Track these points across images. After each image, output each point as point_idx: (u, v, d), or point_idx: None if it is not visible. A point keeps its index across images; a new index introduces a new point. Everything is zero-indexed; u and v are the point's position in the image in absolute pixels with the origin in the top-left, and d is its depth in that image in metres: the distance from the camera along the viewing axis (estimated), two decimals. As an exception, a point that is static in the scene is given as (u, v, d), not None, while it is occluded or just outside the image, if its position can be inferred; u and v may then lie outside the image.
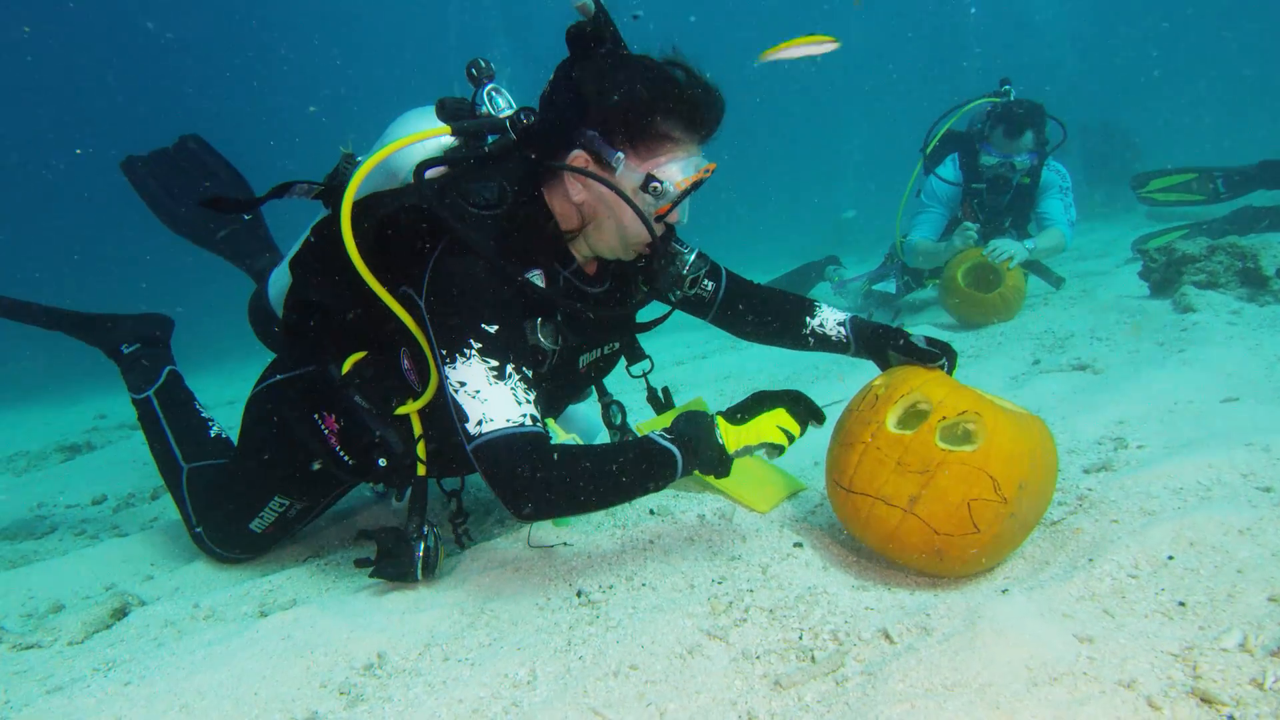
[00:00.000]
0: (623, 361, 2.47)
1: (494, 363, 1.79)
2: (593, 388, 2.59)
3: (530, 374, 1.86)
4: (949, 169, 5.44)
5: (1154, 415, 2.82)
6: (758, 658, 1.59)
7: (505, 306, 1.85)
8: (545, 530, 2.34)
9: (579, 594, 1.99)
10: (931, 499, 1.80)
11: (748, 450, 1.96)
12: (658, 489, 1.89)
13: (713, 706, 1.45)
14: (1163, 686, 1.32)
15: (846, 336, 2.34)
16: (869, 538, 1.94)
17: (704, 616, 1.76)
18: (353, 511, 2.93)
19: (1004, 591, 1.81)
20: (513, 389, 1.80)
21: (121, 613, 2.39)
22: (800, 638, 1.64)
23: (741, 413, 1.99)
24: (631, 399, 2.75)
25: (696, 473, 1.95)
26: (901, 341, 2.18)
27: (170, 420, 2.81)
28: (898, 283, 6.14)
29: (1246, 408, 2.69)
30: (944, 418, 1.86)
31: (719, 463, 1.93)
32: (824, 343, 2.37)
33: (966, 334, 5.02)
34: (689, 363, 5.82)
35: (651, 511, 2.37)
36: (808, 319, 2.39)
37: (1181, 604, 1.58)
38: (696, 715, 1.42)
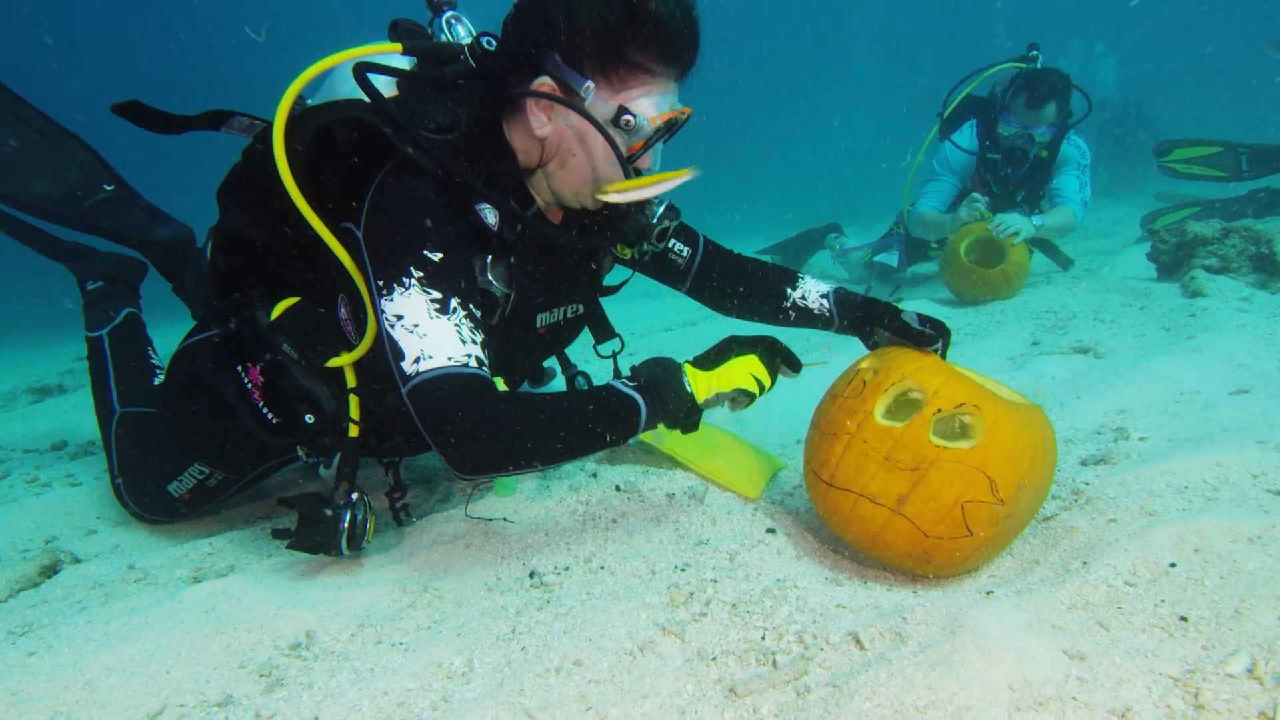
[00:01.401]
0: (591, 341, 2.29)
1: (436, 295, 1.61)
2: (556, 365, 2.41)
3: (479, 314, 1.69)
4: (966, 136, 5.21)
5: (1158, 405, 2.67)
6: (714, 659, 1.45)
7: (453, 235, 1.67)
8: (488, 500, 2.17)
9: (532, 575, 1.85)
10: (922, 499, 1.65)
11: (718, 399, 1.80)
12: (618, 442, 1.72)
13: (658, 715, 1.30)
14: (1160, 717, 1.18)
15: (830, 310, 2.16)
16: (851, 536, 1.79)
17: (661, 608, 1.62)
18: (295, 484, 2.77)
19: (989, 594, 1.66)
20: (457, 326, 1.62)
21: (51, 570, 2.24)
22: (763, 638, 1.50)
23: (712, 359, 1.82)
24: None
25: (664, 440, 1.79)
26: (892, 319, 1.99)
27: (117, 362, 2.64)
28: (900, 255, 5.94)
29: (1257, 401, 2.53)
30: (939, 410, 1.69)
31: (688, 413, 1.77)
32: (806, 317, 2.20)
33: (965, 310, 4.84)
34: (679, 329, 5.64)
35: (618, 488, 2.22)
36: (789, 290, 2.21)
37: (1183, 619, 1.43)
38: (639, 724, 1.28)
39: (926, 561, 1.71)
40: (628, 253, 2.15)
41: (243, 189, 1.86)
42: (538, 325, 2.01)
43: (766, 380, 1.84)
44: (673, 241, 2.22)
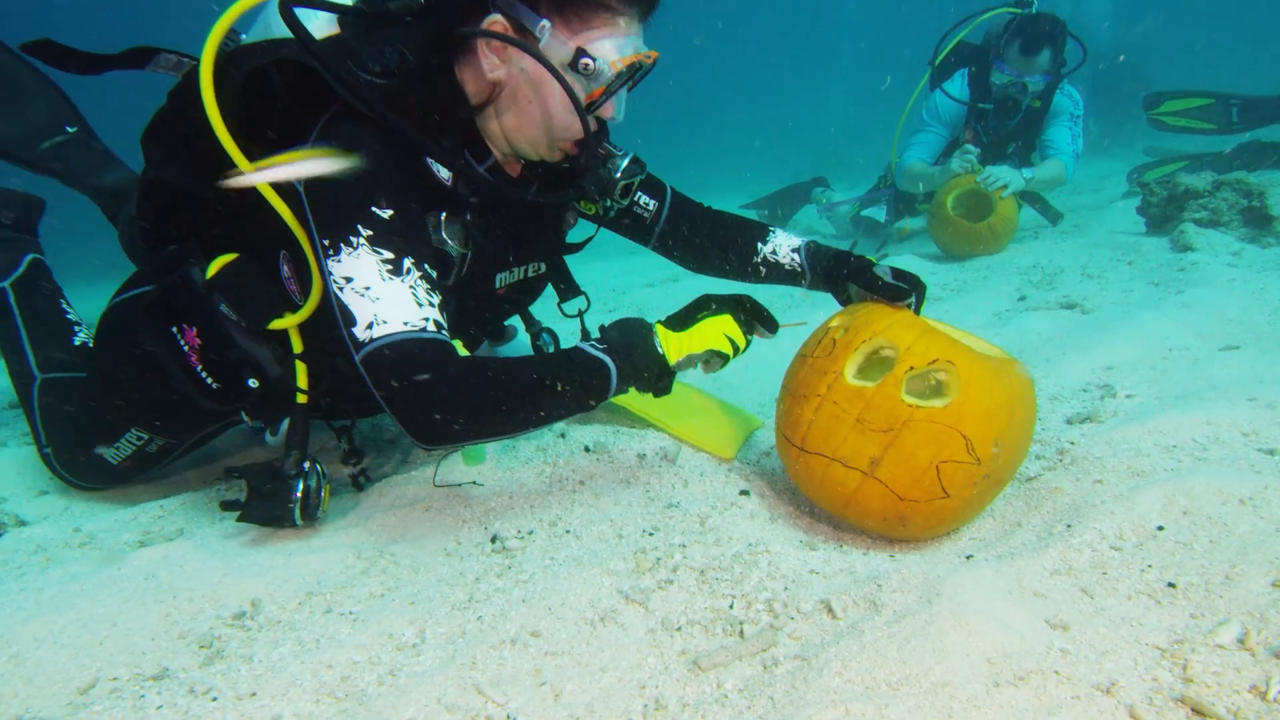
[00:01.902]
0: (555, 299, 2.18)
1: (388, 254, 1.49)
2: (518, 322, 2.29)
3: (434, 274, 1.58)
4: (957, 85, 5.05)
5: (1146, 361, 2.59)
6: (679, 629, 1.37)
7: (403, 189, 1.54)
8: (454, 465, 2.08)
9: (494, 539, 1.76)
10: (895, 461, 1.57)
11: (690, 361, 1.70)
12: (587, 407, 1.63)
13: (617, 690, 1.23)
14: (1147, 692, 1.11)
15: (801, 265, 2.05)
16: (824, 501, 1.71)
17: (626, 575, 1.54)
18: (246, 448, 2.65)
19: (968, 558, 1.59)
20: (412, 288, 1.50)
21: (-6, 535, 2.14)
22: (731, 606, 1.42)
23: (683, 319, 1.72)
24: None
25: (633, 401, 1.70)
26: (863, 273, 1.88)
27: (27, 318, 2.42)
28: (888, 209, 5.81)
29: (1248, 357, 2.46)
30: (911, 368, 1.60)
31: (660, 376, 1.68)
32: (776, 272, 2.09)
33: (950, 265, 4.75)
34: (660, 285, 5.52)
35: (587, 449, 2.13)
36: (759, 245, 2.09)
37: (1171, 585, 1.37)
38: (597, 701, 1.20)
39: (903, 526, 1.64)
40: (592, 208, 2.03)
41: (169, 134, 1.71)
42: (498, 285, 1.89)
43: (741, 341, 1.75)
44: (638, 194, 2.10)
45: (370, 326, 1.47)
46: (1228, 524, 1.51)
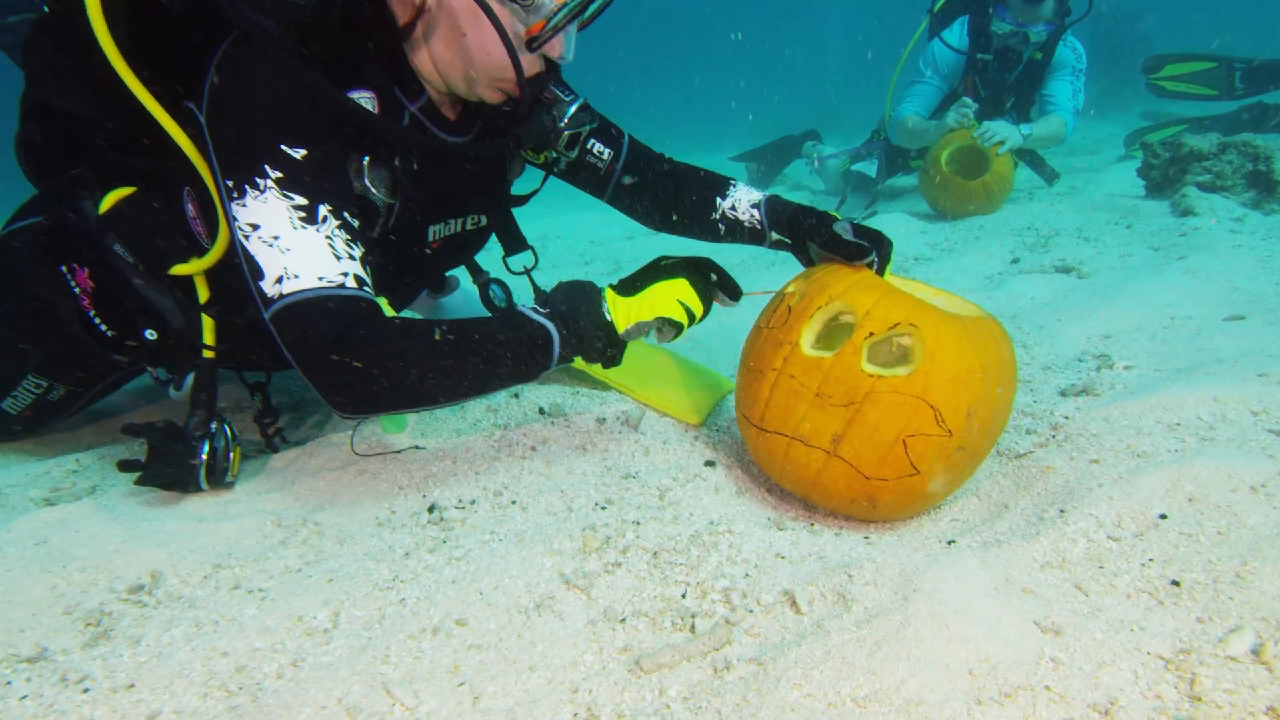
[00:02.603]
0: (500, 252, 1.98)
1: (300, 200, 1.30)
2: (463, 273, 2.09)
3: (356, 224, 1.39)
4: (956, 34, 4.80)
5: (1145, 330, 2.44)
6: (623, 621, 1.21)
7: (318, 127, 1.34)
8: (376, 429, 1.89)
9: (431, 509, 1.60)
10: (858, 438, 1.41)
11: (640, 329, 1.53)
12: (526, 378, 1.47)
13: (545, 694, 1.07)
14: (1149, 713, 0.97)
15: (760, 222, 1.84)
16: (788, 483, 1.56)
17: (571, 555, 1.38)
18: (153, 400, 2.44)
19: (950, 544, 1.45)
20: (329, 238, 1.32)
21: (-112, 490, 1.95)
22: (684, 595, 1.27)
23: (635, 282, 1.54)
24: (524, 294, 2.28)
25: (579, 362, 1.52)
26: (821, 231, 1.68)
27: None
28: (879, 165, 5.59)
29: (1253, 328, 2.31)
30: (871, 334, 1.43)
31: (607, 345, 1.51)
32: (735, 230, 1.89)
33: (942, 225, 4.56)
34: (640, 238, 5.31)
35: (542, 411, 1.96)
36: (718, 200, 1.89)
37: (1175, 583, 1.22)
38: (520, 708, 1.05)
39: (872, 507, 1.49)
40: (540, 157, 1.82)
41: (53, 50, 1.49)
42: (430, 238, 1.69)
43: (698, 308, 1.56)
44: (592, 142, 1.88)
45: (280, 281, 1.28)
46: (1238, 514, 1.36)
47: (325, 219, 1.32)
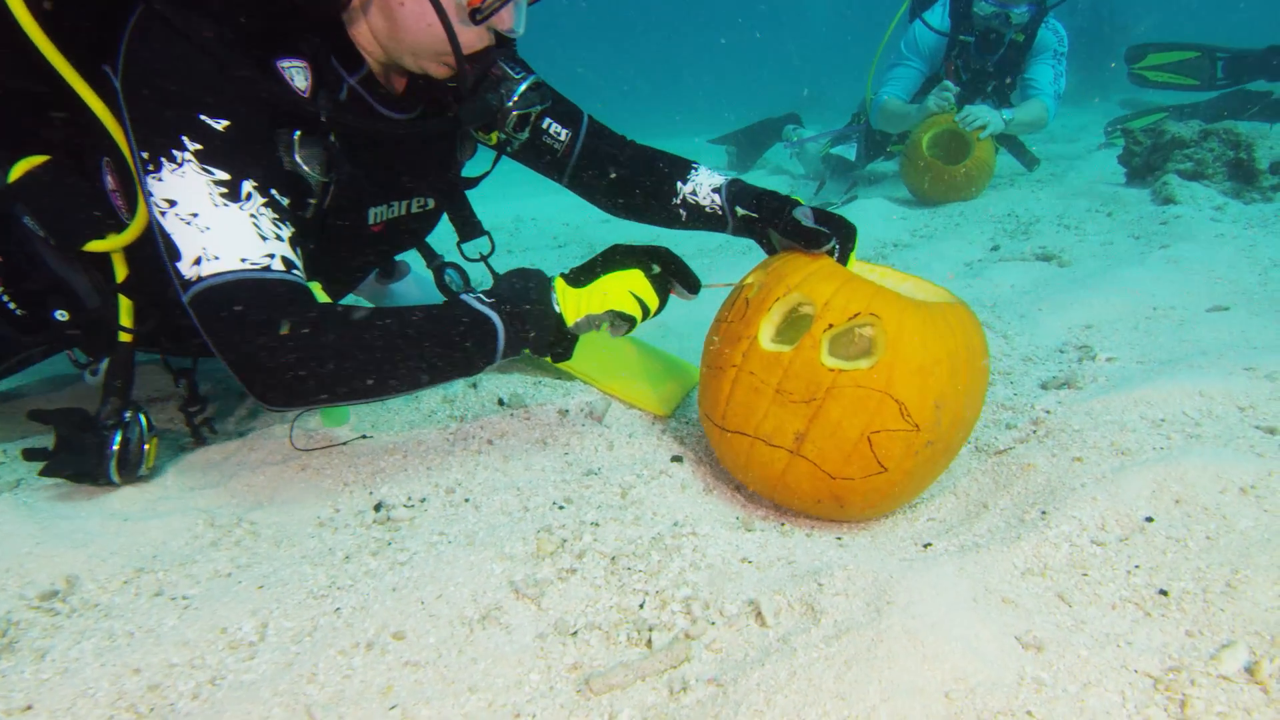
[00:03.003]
0: (455, 237, 1.87)
1: (222, 175, 1.19)
2: (417, 257, 1.97)
3: (285, 202, 1.28)
4: (938, 15, 4.71)
5: (1128, 320, 2.38)
6: (574, 634, 1.12)
7: (242, 98, 1.23)
8: (318, 421, 1.78)
9: (378, 507, 1.49)
10: (822, 435, 1.33)
11: (590, 322, 1.43)
12: (468, 371, 1.38)
13: (484, 718, 0.98)
14: (1139, 740, 0.89)
15: (721, 207, 1.74)
16: (754, 484, 1.48)
17: (523, 560, 1.28)
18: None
19: (926, 547, 1.37)
20: (253, 217, 1.22)
21: None
22: (642, 605, 1.18)
23: (587, 272, 1.44)
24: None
25: (528, 354, 1.42)
26: (781, 217, 1.58)
27: None
28: (859, 148, 5.50)
29: (1237, 319, 2.25)
30: (830, 325, 1.35)
31: (556, 338, 1.41)
32: (697, 215, 1.78)
33: (922, 211, 4.49)
34: (615, 221, 5.17)
35: (501, 401, 1.86)
36: (679, 184, 1.78)
37: (1163, 593, 1.15)
38: (456, 733, 0.96)
39: (840, 507, 1.41)
40: (493, 137, 1.71)
41: None
42: (371, 221, 1.58)
43: (652, 301, 1.47)
44: (548, 121, 1.77)
45: (198, 262, 1.18)
46: (1227, 517, 1.29)
47: (249, 196, 1.21)
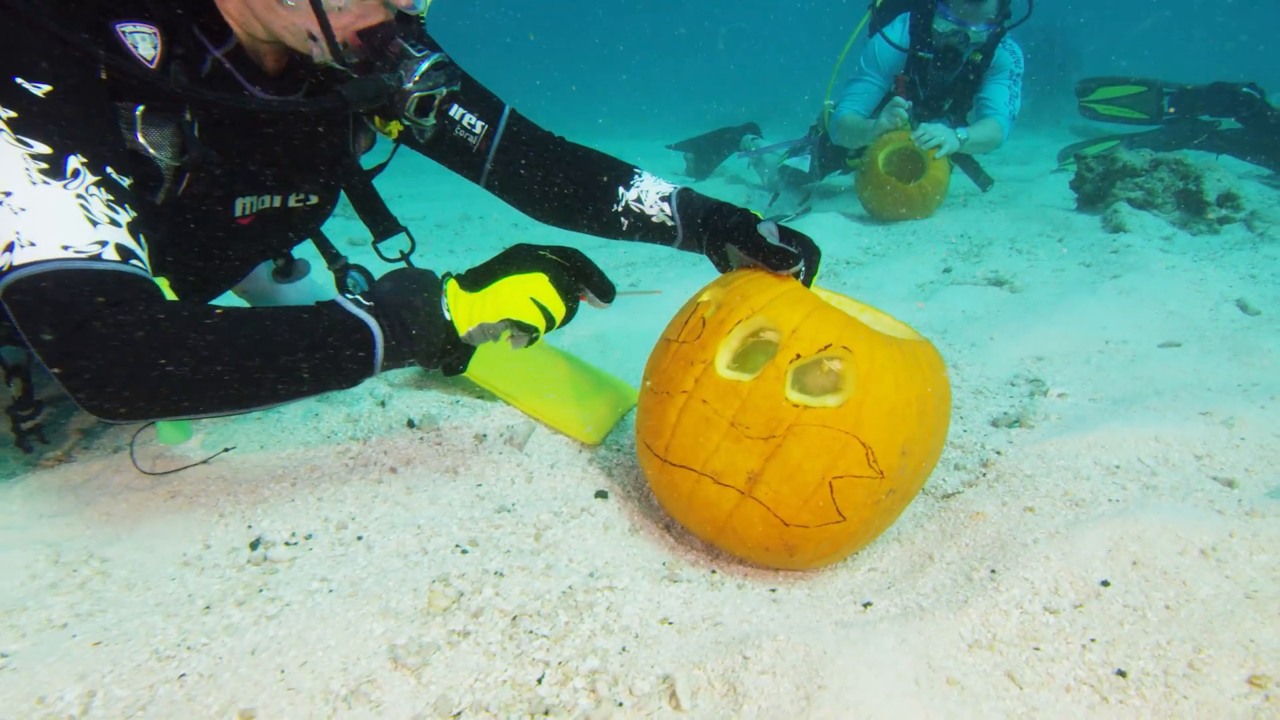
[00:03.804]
0: (358, 231, 1.69)
1: (41, 148, 1.02)
2: (314, 252, 1.78)
3: (126, 184, 1.11)
4: (898, 30, 4.66)
5: (1079, 353, 2.30)
6: (456, 717, 0.96)
7: (69, 60, 1.05)
8: (165, 437, 1.58)
9: (255, 544, 1.31)
10: (779, 477, 1.19)
11: (485, 332, 1.27)
12: (340, 384, 1.21)
13: (334, 831, 0.81)
14: None
15: (670, 217, 1.58)
16: (694, 525, 1.34)
17: (411, 617, 1.12)
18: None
19: (866, 606, 1.24)
20: (81, 198, 1.04)
21: None
22: (540, 679, 1.02)
23: (484, 274, 1.28)
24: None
25: (475, 368, 1.26)
26: (743, 232, 1.44)
27: None
28: (812, 160, 5.43)
29: (1190, 357, 2.19)
30: (798, 355, 1.22)
31: (444, 348, 1.26)
32: (641, 225, 1.62)
33: (876, 228, 4.42)
34: (565, 221, 5.02)
35: (411, 423, 1.68)
36: (620, 190, 1.62)
37: (1122, 674, 1.04)
38: None
39: (789, 556, 1.28)
40: (394, 127, 1.53)
41: None
42: (238, 212, 1.40)
43: (557, 310, 1.31)
44: (460, 112, 1.59)
45: (10, 249, 1.00)
46: (1187, 583, 1.19)
47: (76, 173, 1.03)
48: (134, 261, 1.08)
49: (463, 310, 1.24)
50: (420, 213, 5.24)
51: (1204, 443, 1.61)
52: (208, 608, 1.16)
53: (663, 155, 7.35)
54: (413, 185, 5.86)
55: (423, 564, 1.26)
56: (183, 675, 1.02)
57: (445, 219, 5.23)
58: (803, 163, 5.45)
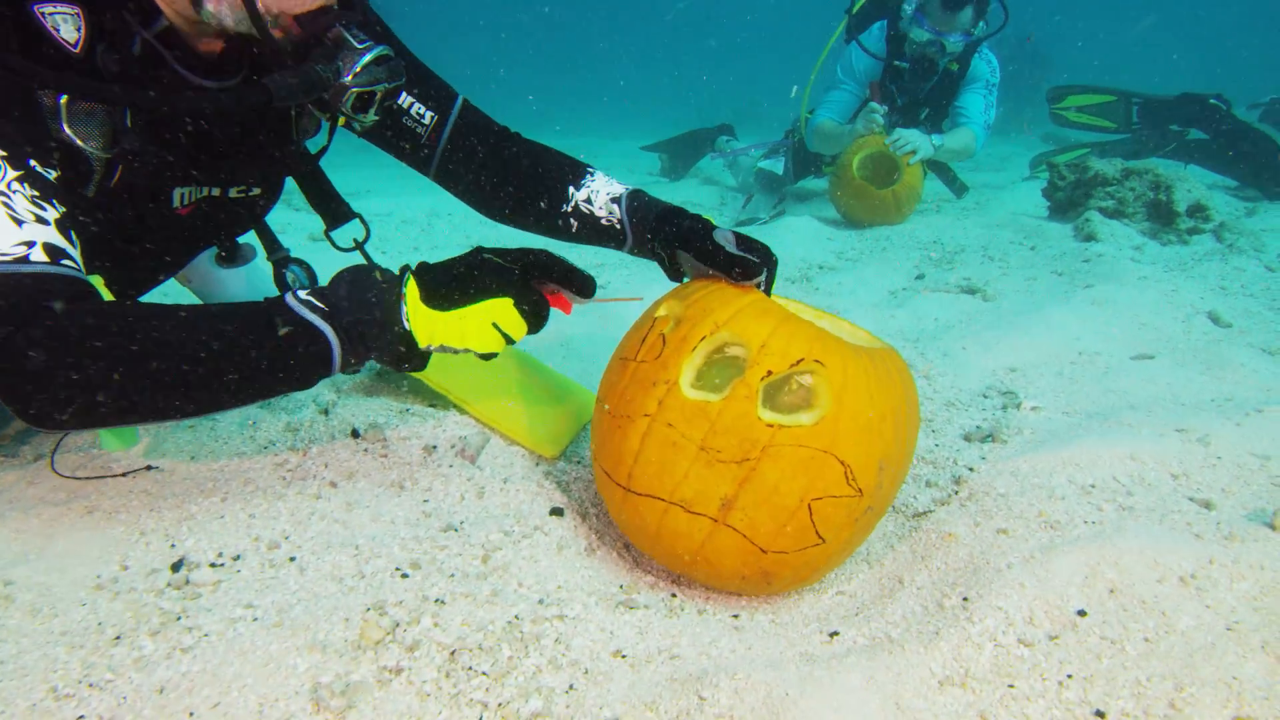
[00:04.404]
0: (319, 225, 1.61)
1: None
2: (256, 242, 1.68)
3: (52, 178, 1.03)
4: (874, 38, 4.62)
5: (1052, 364, 2.26)
6: (382, 768, 0.88)
7: None
8: (108, 444, 1.48)
9: (177, 565, 1.21)
10: (753, 502, 1.12)
11: (444, 349, 1.20)
12: (287, 390, 1.15)
13: None
14: None
15: (620, 220, 1.50)
16: (663, 558, 1.26)
17: (340, 651, 1.03)
18: None
19: (832, 636, 1.17)
20: (4, 197, 1.00)
21: None
22: (478, 722, 0.94)
23: (449, 285, 1.20)
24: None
25: (430, 371, 1.18)
26: (698, 239, 1.34)
27: None
28: (786, 163, 5.38)
29: (1163, 369, 2.16)
30: (768, 372, 1.15)
31: (402, 355, 1.19)
32: (590, 228, 1.53)
33: (848, 232, 4.38)
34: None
35: (355, 433, 1.59)
36: (571, 190, 1.53)
37: (1100, 715, 0.98)
38: None
39: (766, 584, 1.21)
40: (330, 116, 1.44)
41: None
42: (176, 203, 1.30)
43: (518, 332, 1.25)
44: (410, 101, 1.50)
45: None
46: (1166, 614, 1.14)
47: None
48: (65, 261, 1.01)
49: (422, 324, 1.17)
50: (386, 208, 5.11)
51: (1180, 461, 1.56)
52: (118, 638, 1.06)
53: (638, 156, 7.28)
54: (379, 181, 5.73)
55: (358, 589, 1.17)
56: (80, 718, 0.92)
57: (413, 214, 5.10)
58: (777, 165, 5.40)
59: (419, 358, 1.20)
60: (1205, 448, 1.61)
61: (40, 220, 1.00)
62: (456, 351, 1.21)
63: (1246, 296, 2.93)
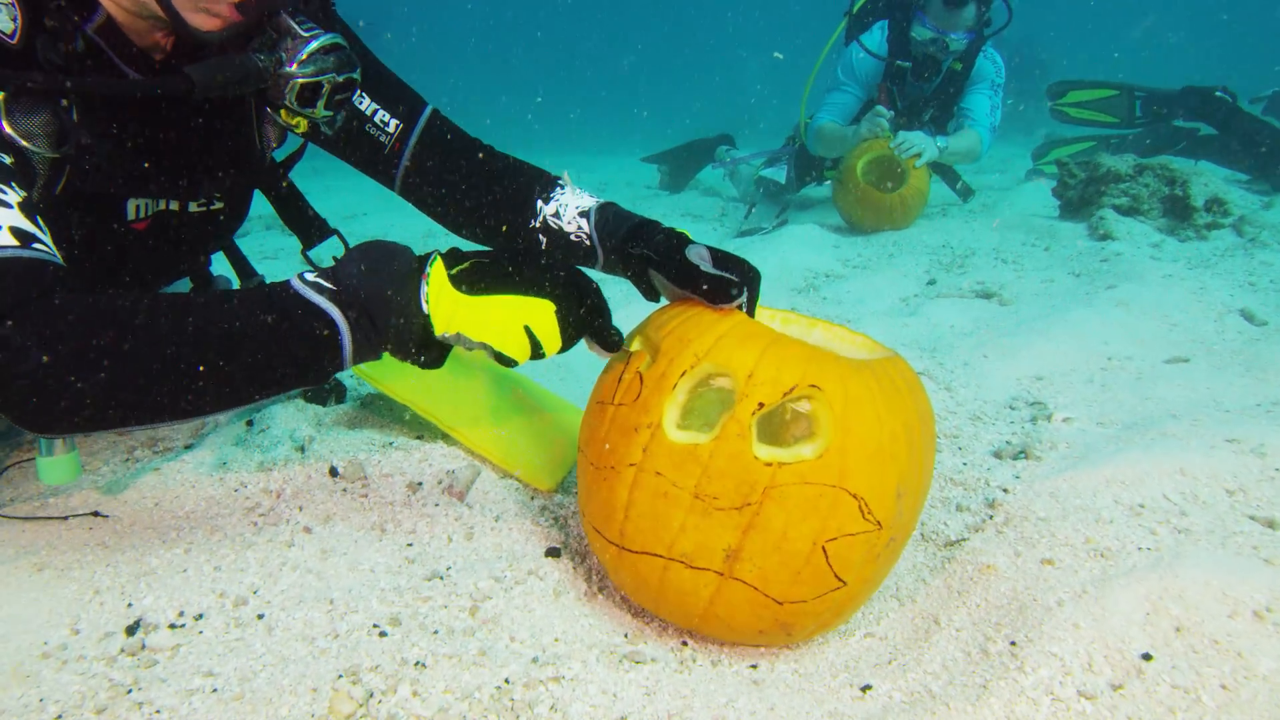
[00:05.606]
0: (296, 244, 1.50)
1: None
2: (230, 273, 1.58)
3: (8, 162, 0.99)
4: (875, 39, 4.52)
5: (1081, 371, 2.13)
6: None
7: None
8: (47, 476, 1.36)
9: (133, 629, 1.09)
10: (762, 551, 1.00)
11: (461, 341, 1.07)
12: (296, 384, 1.05)
13: None
14: None
15: (588, 236, 1.39)
16: (669, 614, 1.14)
17: (305, 728, 0.90)
18: None
19: (865, 690, 1.04)
20: None
21: None
22: (460, 816, 0.81)
23: (485, 277, 1.07)
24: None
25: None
26: (670, 257, 1.21)
27: None
28: (789, 171, 5.27)
29: (1200, 374, 2.02)
30: (760, 405, 1.02)
31: (421, 345, 1.06)
32: (560, 245, 1.42)
33: (855, 239, 4.26)
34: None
35: (334, 471, 1.46)
36: (539, 204, 1.42)
37: (1183, 784, 0.84)
38: None
39: (786, 635, 1.09)
40: (301, 123, 1.32)
41: None
42: (130, 215, 1.20)
43: (551, 346, 1.11)
44: (373, 108, 1.40)
45: None
46: (1243, 655, 1.00)
47: None
48: (36, 245, 0.93)
49: (444, 308, 1.04)
50: (380, 229, 5.01)
51: (1235, 476, 1.43)
52: (59, 717, 0.94)
53: (637, 168, 7.19)
54: (375, 201, 5.64)
55: (330, 650, 1.05)
56: (1, 823, 0.79)
57: (410, 236, 4.97)
58: (779, 173, 5.29)
59: (436, 348, 1.07)
60: (1262, 460, 1.48)
61: (1, 203, 0.92)
62: (470, 346, 1.07)
63: (1278, 292, 2.79)
